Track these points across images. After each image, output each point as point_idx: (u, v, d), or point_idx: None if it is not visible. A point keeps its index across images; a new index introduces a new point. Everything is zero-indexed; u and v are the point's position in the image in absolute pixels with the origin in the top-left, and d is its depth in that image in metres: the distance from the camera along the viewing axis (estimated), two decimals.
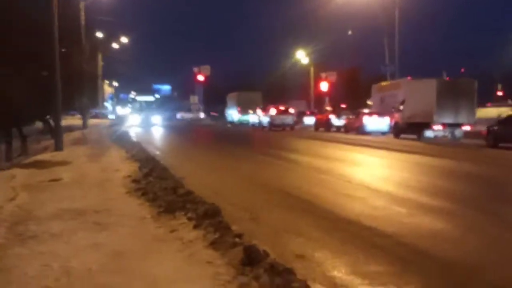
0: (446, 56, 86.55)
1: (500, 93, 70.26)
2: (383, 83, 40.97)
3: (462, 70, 68.04)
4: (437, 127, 29.90)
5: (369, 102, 45.40)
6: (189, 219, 7.89)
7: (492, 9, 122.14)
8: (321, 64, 67.78)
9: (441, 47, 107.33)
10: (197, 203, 8.83)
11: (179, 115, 74.80)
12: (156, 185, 11.05)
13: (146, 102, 62.59)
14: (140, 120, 54.29)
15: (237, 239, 6.56)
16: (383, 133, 35.67)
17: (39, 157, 19.12)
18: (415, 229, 7.92)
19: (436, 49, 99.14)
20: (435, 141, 29.21)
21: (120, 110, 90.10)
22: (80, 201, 9.66)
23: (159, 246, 6.51)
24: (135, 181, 12.01)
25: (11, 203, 9.54)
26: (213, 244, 6.44)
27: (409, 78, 36.28)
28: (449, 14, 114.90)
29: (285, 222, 8.35)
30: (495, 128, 25.21)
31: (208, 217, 7.77)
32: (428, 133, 30.16)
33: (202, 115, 76.07)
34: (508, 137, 23.89)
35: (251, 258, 5.74)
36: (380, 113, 36.30)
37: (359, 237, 7.44)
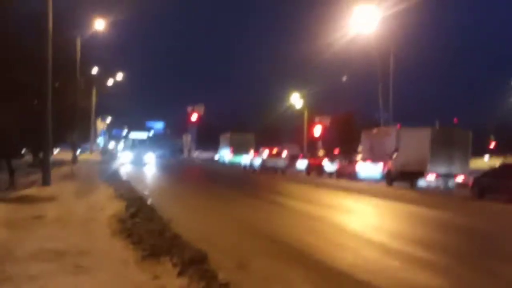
0: (439, 105, 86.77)
1: (492, 145, 70.53)
2: (373, 130, 41.08)
3: (456, 120, 68.26)
4: (431, 177, 29.64)
5: (359, 149, 45.45)
6: (174, 265, 7.53)
7: (486, 59, 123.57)
8: (315, 108, 67.93)
9: (435, 96, 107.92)
10: (183, 248, 8.48)
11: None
12: (142, 226, 10.68)
13: (139, 140, 59.65)
14: (132, 157, 51.32)
15: None
16: (376, 181, 35.36)
17: (25, 191, 18.70)
18: (410, 285, 7.57)
19: (430, 97, 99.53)
20: (428, 190, 28.91)
21: (112, 146, 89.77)
22: (62, 241, 9.28)
23: None
24: (120, 221, 11.64)
25: None
26: None
27: (398, 126, 36.42)
28: (444, 63, 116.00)
29: (275, 272, 7.99)
30: (481, 179, 24.94)
31: (194, 263, 7.42)
32: (421, 182, 29.88)
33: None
34: (493, 189, 23.66)
35: None
36: (374, 160, 36.05)
37: None
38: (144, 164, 47.02)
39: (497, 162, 34.45)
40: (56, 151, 46.54)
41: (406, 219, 16.44)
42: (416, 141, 30.72)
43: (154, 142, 69.11)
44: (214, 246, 9.31)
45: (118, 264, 7.64)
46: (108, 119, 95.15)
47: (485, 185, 24.24)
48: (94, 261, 7.78)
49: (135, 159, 49.72)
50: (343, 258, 9.17)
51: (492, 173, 25.15)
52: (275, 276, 7.68)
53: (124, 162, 48.09)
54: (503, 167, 25.89)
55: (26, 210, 13.48)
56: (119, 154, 55.15)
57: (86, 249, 8.57)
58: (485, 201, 23.11)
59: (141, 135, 61.21)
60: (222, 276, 6.92)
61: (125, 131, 56.38)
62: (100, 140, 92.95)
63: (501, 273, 8.86)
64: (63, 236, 9.82)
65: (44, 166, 21.77)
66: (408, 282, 7.76)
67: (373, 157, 35.75)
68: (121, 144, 69.92)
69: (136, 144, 54.70)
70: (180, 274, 7.02)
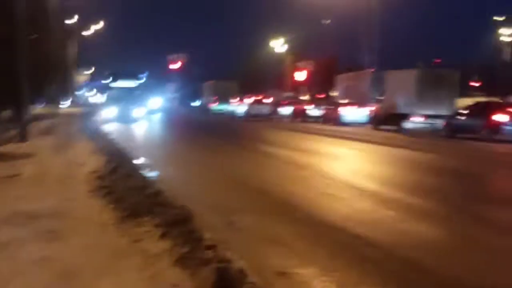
0: (424, 46, 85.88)
1: (476, 84, 70.13)
2: (348, 74, 41.17)
3: (439, 60, 67.49)
4: (418, 119, 29.25)
5: (334, 93, 45.45)
6: (156, 225, 6.98)
7: None
8: (298, 54, 66.94)
9: (419, 37, 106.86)
10: (166, 205, 7.91)
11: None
12: (122, 183, 10.10)
13: (126, 89, 42.93)
14: (118, 113, 38.91)
15: (209, 253, 5.66)
16: (362, 124, 34.99)
17: (1, 148, 17.98)
18: (409, 237, 7.11)
19: (414, 39, 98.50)
20: (415, 132, 28.52)
21: (93, 98, 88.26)
22: (36, 202, 8.69)
23: (118, 263, 5.58)
24: (100, 177, 11.05)
25: None
26: (182, 260, 5.54)
27: (372, 69, 36.58)
28: (430, 3, 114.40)
29: (264, 228, 7.48)
30: (453, 119, 26.11)
31: (178, 223, 6.85)
32: (408, 124, 29.49)
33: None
34: (462, 128, 24.97)
35: (225, 280, 4.86)
36: (359, 104, 35.68)
37: (348, 248, 6.60)
38: (134, 121, 37.09)
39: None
40: (41, 105, 45.29)
41: (395, 163, 16.05)
42: (402, 83, 30.30)
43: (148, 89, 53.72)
44: (199, 202, 8.78)
45: (95, 227, 7.08)
46: (89, 71, 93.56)
47: (455, 125, 25.49)
48: (69, 224, 7.22)
49: (122, 115, 38.26)
50: (335, 210, 8.69)
51: (461, 113, 26.08)
52: (265, 233, 7.18)
53: (107, 119, 37.03)
54: (471, 106, 26.41)
55: (0, 168, 12.83)
56: (100, 109, 43.25)
57: (62, 211, 8.00)
58: (456, 140, 24.03)
59: (129, 83, 46.22)
60: (208, 236, 6.39)
61: (109, 80, 43.96)
62: (82, 93, 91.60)
63: (497, 218, 8.46)
64: (38, 196, 9.22)
65: (20, 122, 21.04)
66: (406, 233, 7.30)
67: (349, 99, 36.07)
68: (103, 97, 52.45)
69: (123, 95, 40.85)
70: (163, 236, 6.47)
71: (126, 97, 40.21)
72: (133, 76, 44.37)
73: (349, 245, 6.72)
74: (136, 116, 38.60)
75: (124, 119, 36.88)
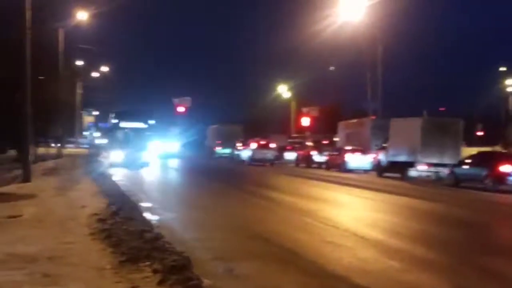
0: (428, 94, 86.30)
1: (480, 133, 70.16)
2: (349, 121, 41.60)
3: (443, 109, 67.72)
4: (422, 167, 29.10)
5: (335, 139, 45.67)
6: (155, 271, 6.86)
7: (475, 49, 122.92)
8: (302, 99, 67.26)
9: (423, 86, 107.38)
10: (165, 251, 7.81)
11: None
12: (122, 226, 9.99)
13: (133, 129, 37.33)
14: (123, 156, 34.11)
15: None
16: (366, 171, 34.87)
17: (4, 188, 17.92)
18: None
19: (418, 87, 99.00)
20: (419, 181, 28.36)
21: (98, 140, 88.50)
22: (35, 244, 8.58)
23: None
24: (101, 220, 10.95)
25: None
26: None
27: (373, 117, 36.95)
28: (434, 53, 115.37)
29: (265, 277, 7.34)
30: (456, 168, 26.13)
31: (177, 270, 6.75)
32: (412, 173, 29.33)
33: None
34: (469, 178, 24.96)
35: None
36: (363, 151, 35.64)
37: None
38: (140, 165, 32.87)
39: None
40: (46, 146, 45.20)
41: (400, 212, 15.86)
42: (406, 131, 30.23)
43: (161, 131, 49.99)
44: (199, 246, 8.67)
45: (93, 272, 6.96)
46: (95, 113, 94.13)
47: (459, 174, 25.54)
48: (67, 268, 7.09)
49: (128, 157, 33.72)
50: (338, 259, 8.55)
51: (466, 162, 26.14)
52: (265, 282, 7.04)
53: (112, 161, 33.84)
54: (475, 156, 26.42)
55: (1, 209, 12.72)
56: (106, 151, 38.86)
57: (60, 254, 7.89)
58: (460, 189, 23.95)
59: (136, 124, 40.61)
60: (207, 283, 6.28)
61: (115, 120, 38.56)
62: (88, 134, 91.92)
63: (503, 271, 8.29)
64: (37, 238, 9.11)
65: (24, 162, 21.00)
66: (410, 285, 7.15)
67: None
68: (108, 138, 45.02)
69: (130, 137, 36.47)
70: (160, 283, 6.36)
71: (133, 139, 36.62)
72: (140, 116, 42.85)
73: None
74: (142, 159, 34.40)
75: (130, 162, 32.84)
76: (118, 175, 24.97)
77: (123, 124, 40.96)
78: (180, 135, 77.41)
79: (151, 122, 43.51)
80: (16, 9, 22.81)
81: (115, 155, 35.09)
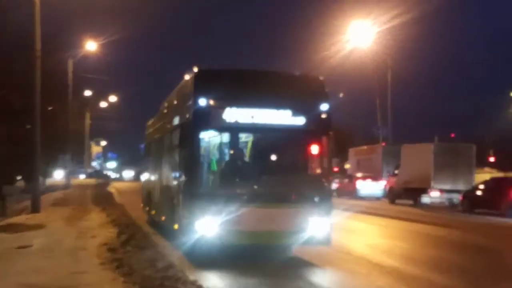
0: (439, 119, 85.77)
1: (492, 159, 69.67)
2: (360, 148, 41.53)
3: (453, 135, 67.28)
4: (434, 193, 28.77)
5: (346, 166, 45.44)
6: None
7: (486, 74, 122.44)
8: None
9: (434, 111, 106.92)
10: (177, 280, 7.63)
11: None
12: (134, 255, 9.83)
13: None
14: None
15: None
16: (377, 198, 34.58)
17: (13, 219, 17.86)
18: None
19: (429, 112, 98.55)
20: (432, 207, 28.02)
21: (109, 170, 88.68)
22: (45, 274, 8.46)
23: None
24: (111, 249, 10.79)
25: None
26: None
27: (383, 144, 36.82)
28: (444, 78, 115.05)
29: None
30: (471, 194, 25.76)
31: None
32: (425, 199, 28.99)
33: None
34: (483, 203, 24.56)
35: None
36: (375, 177, 35.43)
37: None
38: None
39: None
40: (59, 176, 45.18)
41: (414, 238, 15.61)
42: (418, 157, 29.93)
43: None
44: (211, 276, 8.48)
45: None
46: (103, 143, 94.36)
47: (473, 200, 25.25)
48: None
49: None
50: (354, 287, 8.34)
51: (479, 188, 25.79)
52: None
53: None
54: (488, 182, 26.20)
55: (12, 239, 12.65)
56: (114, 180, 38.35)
57: (70, 284, 7.75)
58: (474, 215, 23.60)
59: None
60: None
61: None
62: (96, 164, 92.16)
63: None
64: (47, 268, 8.98)
65: (33, 193, 20.90)
66: None
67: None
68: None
69: None
70: None
71: None
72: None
73: None
74: None
75: None
76: (126, 204, 24.79)
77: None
78: None
79: None
80: (27, 39, 23.02)
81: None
